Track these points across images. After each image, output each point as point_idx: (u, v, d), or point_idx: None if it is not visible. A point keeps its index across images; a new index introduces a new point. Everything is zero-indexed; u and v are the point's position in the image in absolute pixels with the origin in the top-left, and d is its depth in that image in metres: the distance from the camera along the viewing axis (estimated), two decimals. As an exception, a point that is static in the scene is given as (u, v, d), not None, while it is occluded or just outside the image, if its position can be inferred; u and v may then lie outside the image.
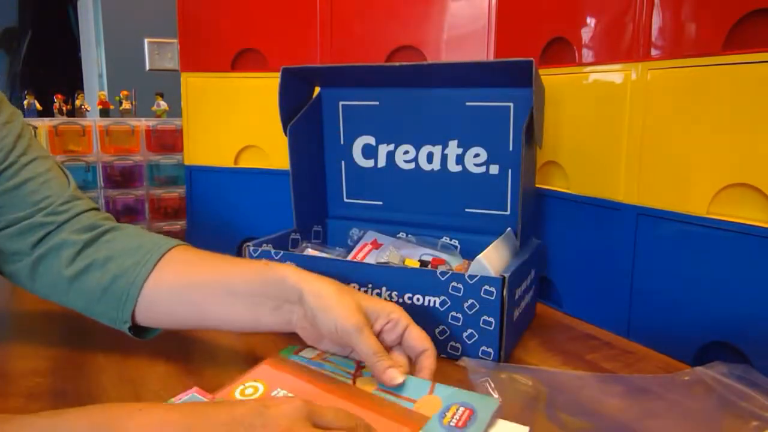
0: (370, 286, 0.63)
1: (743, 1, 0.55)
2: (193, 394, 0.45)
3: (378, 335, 0.51)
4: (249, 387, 0.48)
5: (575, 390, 0.55)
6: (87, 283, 0.57)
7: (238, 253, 0.95)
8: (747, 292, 0.57)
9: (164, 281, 0.56)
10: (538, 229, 0.81)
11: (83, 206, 0.61)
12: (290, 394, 0.47)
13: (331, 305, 0.50)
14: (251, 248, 0.68)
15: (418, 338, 0.51)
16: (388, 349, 0.52)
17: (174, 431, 0.36)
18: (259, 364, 0.52)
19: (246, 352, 0.62)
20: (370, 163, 0.83)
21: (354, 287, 0.61)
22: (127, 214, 1.13)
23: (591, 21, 0.72)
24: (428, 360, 0.50)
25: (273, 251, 0.67)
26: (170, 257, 0.58)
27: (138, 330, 0.59)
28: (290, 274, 0.53)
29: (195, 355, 0.62)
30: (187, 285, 0.56)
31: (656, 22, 0.64)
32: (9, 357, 0.61)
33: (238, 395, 0.47)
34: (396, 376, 0.47)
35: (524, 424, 0.47)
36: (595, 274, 0.73)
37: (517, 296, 0.62)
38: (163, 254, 0.57)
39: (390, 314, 0.51)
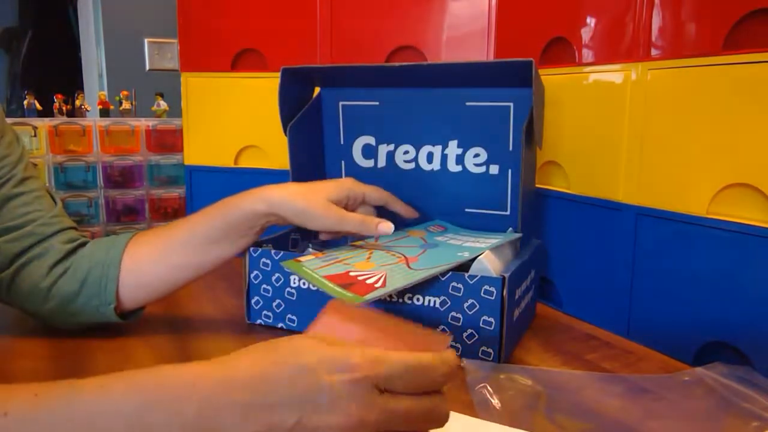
0: (370, 286, 0.63)
1: (743, 1, 0.55)
2: None
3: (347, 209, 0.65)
4: None
5: (575, 390, 0.55)
6: (64, 285, 0.62)
7: (238, 253, 0.95)
8: (747, 292, 0.57)
9: (138, 253, 0.63)
10: (538, 229, 0.81)
11: (68, 223, 0.66)
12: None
13: (308, 214, 0.62)
14: (251, 248, 0.68)
15: (374, 194, 0.69)
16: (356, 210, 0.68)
17: (234, 414, 0.32)
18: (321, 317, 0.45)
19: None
20: (370, 163, 0.83)
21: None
22: (127, 214, 1.13)
23: (591, 21, 0.72)
24: (395, 203, 0.72)
25: (273, 251, 0.67)
26: (137, 238, 0.65)
27: (122, 314, 0.64)
28: (249, 200, 0.62)
29: (197, 356, 0.62)
30: (162, 247, 0.63)
31: (656, 22, 0.64)
32: (9, 356, 0.61)
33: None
34: (388, 224, 0.64)
35: (524, 424, 0.47)
36: (595, 274, 0.73)
37: (517, 296, 0.62)
38: (130, 238, 0.65)
39: (349, 191, 0.66)
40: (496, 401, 0.51)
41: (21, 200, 0.63)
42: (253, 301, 0.70)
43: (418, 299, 0.62)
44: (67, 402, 0.33)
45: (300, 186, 0.64)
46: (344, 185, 0.66)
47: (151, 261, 0.63)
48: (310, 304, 0.66)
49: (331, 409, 0.33)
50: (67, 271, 0.62)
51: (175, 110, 1.10)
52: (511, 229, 0.72)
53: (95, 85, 2.46)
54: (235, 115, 0.98)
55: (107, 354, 0.61)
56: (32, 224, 0.62)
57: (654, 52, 0.64)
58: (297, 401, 0.33)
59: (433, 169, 0.79)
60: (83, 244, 0.65)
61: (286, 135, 0.75)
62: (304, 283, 0.66)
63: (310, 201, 0.62)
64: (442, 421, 0.37)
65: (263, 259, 0.68)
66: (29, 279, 0.62)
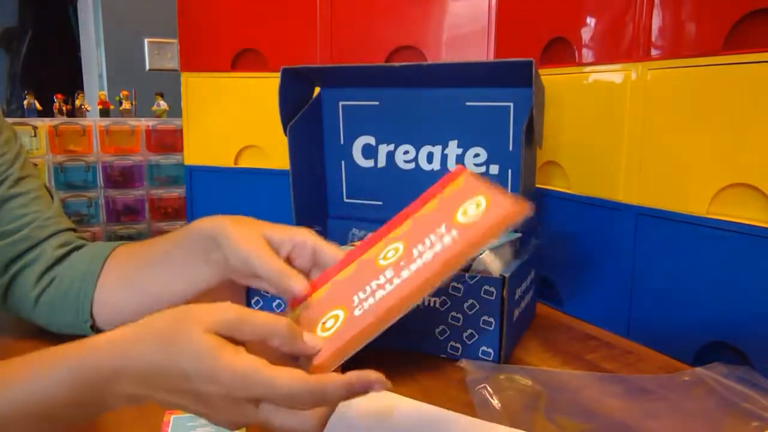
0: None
1: (743, 1, 0.55)
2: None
3: (290, 264, 0.49)
4: (390, 250, 0.44)
5: (575, 390, 0.55)
6: (49, 297, 0.61)
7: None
8: (747, 292, 0.57)
9: (112, 275, 0.60)
10: (538, 229, 0.81)
11: (64, 225, 0.65)
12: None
13: (233, 239, 0.50)
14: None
15: (330, 253, 0.49)
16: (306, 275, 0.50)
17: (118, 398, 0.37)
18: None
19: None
20: (370, 163, 0.83)
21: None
22: (127, 214, 1.13)
23: (591, 21, 0.72)
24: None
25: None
26: (116, 253, 0.62)
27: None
28: (204, 222, 0.53)
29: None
30: (131, 268, 0.60)
31: (656, 22, 0.64)
32: (9, 357, 0.61)
33: (381, 261, 0.44)
34: (301, 283, 0.46)
35: (524, 425, 0.47)
36: (595, 274, 0.73)
37: (517, 296, 0.62)
38: (110, 252, 0.62)
39: (293, 237, 0.50)
40: (496, 402, 0.51)
41: (17, 202, 0.62)
42: (253, 301, 0.70)
43: (418, 299, 0.62)
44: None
45: (250, 221, 0.53)
46: (290, 229, 0.51)
47: (119, 288, 0.60)
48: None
49: (214, 408, 0.36)
50: (53, 281, 0.61)
51: (175, 110, 1.10)
52: (510, 229, 0.72)
53: (95, 85, 2.45)
54: (235, 115, 0.98)
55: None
56: (27, 228, 0.61)
57: (654, 52, 0.64)
58: (180, 397, 0.36)
59: (433, 169, 0.79)
60: (78, 248, 0.64)
61: (286, 135, 0.75)
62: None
63: (244, 226, 0.51)
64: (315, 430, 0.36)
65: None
66: (21, 288, 0.61)
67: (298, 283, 0.46)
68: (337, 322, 0.41)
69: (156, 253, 0.58)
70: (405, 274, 0.40)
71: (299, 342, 0.38)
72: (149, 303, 0.57)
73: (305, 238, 0.50)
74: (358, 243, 0.65)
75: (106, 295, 0.60)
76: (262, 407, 0.35)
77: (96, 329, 0.61)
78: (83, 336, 0.60)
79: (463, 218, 0.41)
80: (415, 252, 0.41)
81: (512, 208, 0.39)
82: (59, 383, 0.37)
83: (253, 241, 0.49)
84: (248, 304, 0.70)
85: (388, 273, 0.41)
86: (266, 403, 0.35)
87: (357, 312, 0.40)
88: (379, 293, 0.40)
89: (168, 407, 0.39)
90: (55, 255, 0.62)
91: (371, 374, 0.35)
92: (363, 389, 0.35)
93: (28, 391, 0.37)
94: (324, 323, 0.41)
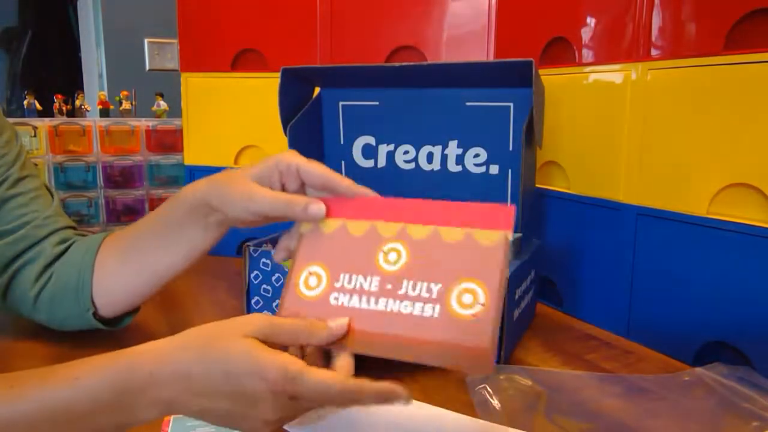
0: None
1: (743, 1, 0.55)
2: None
3: (284, 191, 0.50)
4: (394, 252, 0.45)
5: (575, 390, 0.55)
6: (48, 292, 0.61)
7: (238, 253, 0.95)
8: (747, 292, 0.57)
9: (106, 256, 0.60)
10: (538, 229, 0.81)
11: (63, 223, 0.65)
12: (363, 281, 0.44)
13: (227, 196, 0.50)
14: (251, 248, 0.68)
15: (315, 170, 0.48)
16: None
17: (154, 409, 0.39)
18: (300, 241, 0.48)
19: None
20: (370, 163, 0.82)
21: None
22: (127, 214, 1.13)
23: (591, 21, 0.72)
24: (339, 182, 0.48)
25: (273, 251, 0.67)
26: (108, 239, 0.62)
27: (107, 322, 0.62)
28: (191, 189, 0.53)
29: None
30: (126, 246, 0.60)
31: (656, 22, 0.64)
32: (9, 357, 0.61)
33: (303, 287, 0.45)
34: (319, 205, 0.46)
35: (524, 425, 0.47)
36: (595, 274, 0.73)
37: (517, 296, 0.62)
38: (103, 239, 0.62)
39: (277, 165, 0.49)
40: (496, 402, 0.51)
41: (17, 202, 0.62)
42: (253, 301, 0.70)
43: (418, 299, 0.62)
44: (41, 392, 0.37)
45: (231, 173, 0.53)
46: (270, 159, 0.51)
47: (117, 265, 0.60)
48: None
49: (254, 405, 0.38)
50: (51, 277, 0.61)
51: (175, 110, 1.10)
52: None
53: (95, 85, 2.45)
54: (235, 115, 0.98)
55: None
56: (26, 227, 0.62)
57: (654, 52, 0.64)
58: (219, 400, 0.38)
59: (433, 169, 0.79)
60: (74, 244, 0.64)
61: (286, 135, 0.75)
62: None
63: (230, 179, 0.51)
64: None
65: (263, 260, 0.68)
66: (20, 286, 0.62)
67: (312, 205, 0.46)
68: (318, 286, 0.45)
69: (149, 227, 0.58)
70: (380, 305, 0.42)
71: (327, 337, 0.41)
72: (148, 276, 0.59)
73: (287, 161, 0.49)
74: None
75: (104, 278, 0.60)
76: (298, 405, 0.38)
77: (98, 318, 0.61)
78: (86, 329, 0.61)
79: (455, 305, 0.41)
80: (404, 286, 0.43)
81: (481, 345, 0.39)
82: (100, 386, 0.38)
83: (246, 188, 0.49)
84: (248, 304, 0.70)
85: (374, 284, 0.43)
86: (302, 400, 0.38)
87: (332, 299, 0.44)
88: (354, 300, 0.43)
89: (201, 416, 0.39)
90: (54, 252, 0.62)
91: (399, 389, 0.38)
92: (391, 400, 0.38)
93: (69, 395, 0.38)
94: (308, 279, 0.45)
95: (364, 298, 0.43)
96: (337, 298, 0.44)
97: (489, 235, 0.43)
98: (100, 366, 0.39)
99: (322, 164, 0.49)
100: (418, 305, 0.42)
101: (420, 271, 0.43)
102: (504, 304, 0.58)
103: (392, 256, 0.44)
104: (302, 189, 0.50)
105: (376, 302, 0.43)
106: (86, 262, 0.60)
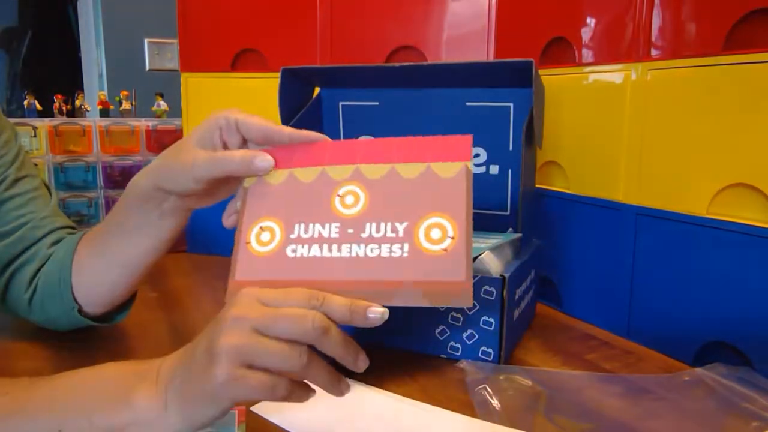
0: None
1: (743, 1, 0.55)
2: None
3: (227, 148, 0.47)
4: (350, 194, 0.43)
5: (575, 390, 0.55)
6: (40, 293, 0.61)
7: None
8: (747, 292, 0.57)
9: (83, 253, 0.59)
10: (538, 229, 0.81)
11: (59, 223, 0.64)
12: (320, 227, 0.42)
13: (173, 174, 0.47)
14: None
15: (253, 122, 0.46)
16: None
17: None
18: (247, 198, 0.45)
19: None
20: (370, 163, 0.82)
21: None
22: (127, 214, 1.13)
23: (591, 21, 0.72)
24: (280, 133, 0.46)
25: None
26: (85, 236, 0.61)
27: (99, 319, 0.62)
28: (139, 179, 0.51)
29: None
30: (98, 242, 0.59)
31: (656, 22, 0.64)
32: (9, 357, 0.61)
33: (255, 244, 0.43)
34: (265, 157, 0.44)
35: (524, 425, 0.47)
36: (595, 274, 0.73)
37: (517, 296, 0.62)
38: (81, 236, 0.61)
39: (217, 120, 0.47)
40: (496, 402, 0.51)
41: (14, 203, 0.62)
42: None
43: (418, 299, 0.61)
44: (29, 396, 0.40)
45: (174, 147, 0.50)
46: (210, 117, 0.48)
47: (90, 260, 0.59)
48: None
49: (224, 312, 0.38)
50: (42, 277, 0.61)
51: (175, 110, 1.10)
52: (511, 229, 0.72)
53: (95, 85, 2.46)
54: (235, 115, 0.98)
55: (108, 354, 0.61)
56: (23, 228, 0.61)
57: (654, 52, 0.64)
58: (207, 335, 0.39)
59: (433, 169, 0.79)
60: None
61: (286, 135, 0.75)
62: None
63: (177, 152, 0.48)
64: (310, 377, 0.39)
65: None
66: (17, 288, 0.61)
67: (258, 158, 0.44)
68: (272, 241, 0.42)
69: (114, 220, 0.56)
70: (344, 252, 0.40)
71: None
72: (119, 269, 0.58)
73: (226, 116, 0.47)
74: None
75: (81, 275, 0.59)
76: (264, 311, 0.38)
77: (84, 314, 0.60)
78: (78, 328, 0.62)
79: (424, 242, 0.39)
80: (366, 229, 0.41)
81: (457, 278, 0.38)
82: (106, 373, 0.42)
83: (188, 157, 0.46)
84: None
85: (334, 230, 0.41)
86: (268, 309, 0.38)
87: (289, 251, 0.41)
88: (314, 250, 0.41)
89: (184, 370, 0.39)
90: (48, 253, 0.61)
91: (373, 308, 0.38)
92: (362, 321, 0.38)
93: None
94: (260, 235, 0.43)
95: (325, 247, 0.41)
96: (294, 250, 0.41)
97: (449, 167, 0.41)
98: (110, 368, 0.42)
99: (262, 117, 0.47)
100: (385, 246, 0.40)
101: (382, 212, 0.41)
102: (504, 304, 0.58)
103: (349, 200, 0.42)
104: (245, 145, 0.48)
105: (339, 249, 0.40)
106: (66, 260, 0.59)
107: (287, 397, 0.38)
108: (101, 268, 0.58)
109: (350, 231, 0.41)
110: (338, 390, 0.40)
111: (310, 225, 0.42)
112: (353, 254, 0.40)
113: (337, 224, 0.41)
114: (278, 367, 0.37)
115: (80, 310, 0.60)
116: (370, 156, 0.43)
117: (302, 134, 0.45)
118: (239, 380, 0.36)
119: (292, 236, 0.42)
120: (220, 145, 0.47)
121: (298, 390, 0.39)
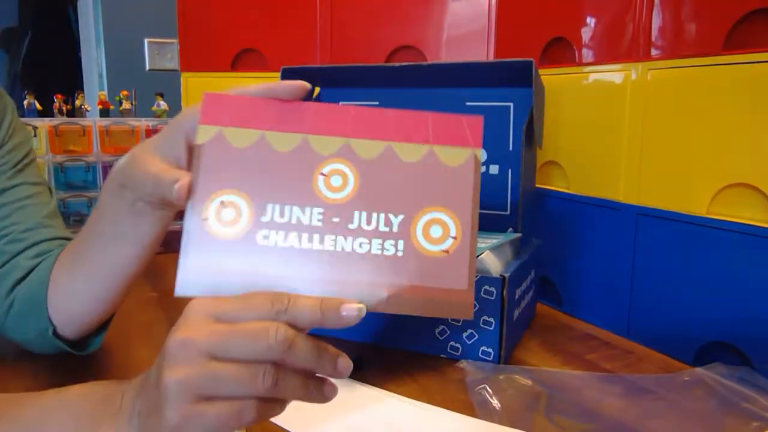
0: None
1: (743, 1, 0.55)
2: None
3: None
4: (338, 174, 0.36)
5: (575, 390, 0.55)
6: (14, 310, 0.55)
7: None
8: (747, 292, 0.57)
9: (60, 266, 0.54)
10: (538, 229, 0.81)
11: (47, 234, 0.58)
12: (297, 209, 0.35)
13: (134, 173, 0.42)
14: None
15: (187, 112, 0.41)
16: None
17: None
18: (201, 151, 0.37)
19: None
20: (370, 163, 0.82)
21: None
22: (127, 214, 1.13)
23: (591, 21, 0.72)
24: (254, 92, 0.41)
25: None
26: (66, 248, 0.55)
27: (74, 345, 0.56)
28: (114, 175, 0.45)
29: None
30: (75, 253, 0.53)
31: (656, 22, 0.64)
32: (9, 357, 0.61)
33: (215, 223, 0.35)
34: (184, 184, 0.36)
35: (524, 425, 0.47)
36: (595, 274, 0.73)
37: (517, 296, 0.62)
38: (60, 252, 0.55)
39: (181, 125, 0.43)
40: (495, 402, 0.51)
41: (1, 212, 0.57)
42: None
43: (418, 299, 0.61)
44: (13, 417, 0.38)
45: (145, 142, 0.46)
46: (176, 119, 0.44)
47: (67, 274, 0.53)
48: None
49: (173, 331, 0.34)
50: (19, 293, 0.55)
51: (175, 110, 1.10)
52: (511, 229, 0.72)
53: (95, 85, 2.46)
54: (235, 115, 0.98)
55: (108, 354, 0.61)
56: (1, 241, 0.56)
57: (654, 52, 0.64)
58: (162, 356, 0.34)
59: (433, 169, 0.79)
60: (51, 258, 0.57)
61: (286, 135, 0.75)
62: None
63: (135, 151, 0.43)
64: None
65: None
66: None
67: (179, 185, 0.36)
68: (237, 221, 0.35)
69: (89, 229, 0.50)
70: (327, 244, 0.34)
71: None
72: (98, 284, 0.51)
73: (192, 118, 0.42)
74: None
75: (57, 290, 0.53)
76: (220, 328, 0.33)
77: (58, 336, 0.54)
78: (53, 349, 0.55)
79: (422, 240, 0.34)
80: (355, 219, 0.35)
81: (458, 287, 0.33)
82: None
83: (141, 168, 0.41)
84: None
85: (316, 217, 0.35)
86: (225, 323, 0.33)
87: (261, 238, 0.34)
88: (291, 239, 0.34)
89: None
90: (27, 266, 0.55)
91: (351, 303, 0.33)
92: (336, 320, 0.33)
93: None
94: (221, 212, 0.35)
95: (304, 236, 0.34)
96: (267, 237, 0.34)
97: (455, 153, 0.35)
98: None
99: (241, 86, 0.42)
100: (377, 242, 0.34)
101: (374, 200, 0.35)
102: (504, 304, 0.58)
103: (336, 181, 0.35)
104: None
105: (321, 241, 0.34)
106: (43, 274, 0.54)
107: (261, 417, 0.33)
108: (78, 281, 0.52)
109: (335, 220, 0.34)
110: (321, 397, 0.35)
111: (287, 207, 0.35)
112: (338, 248, 0.34)
113: (320, 209, 0.35)
114: (238, 393, 0.32)
115: (55, 331, 0.53)
116: (363, 129, 0.36)
117: (278, 86, 0.38)
118: (194, 419, 0.32)
119: (264, 219, 0.34)
120: (183, 154, 0.41)
121: (273, 406, 0.34)
